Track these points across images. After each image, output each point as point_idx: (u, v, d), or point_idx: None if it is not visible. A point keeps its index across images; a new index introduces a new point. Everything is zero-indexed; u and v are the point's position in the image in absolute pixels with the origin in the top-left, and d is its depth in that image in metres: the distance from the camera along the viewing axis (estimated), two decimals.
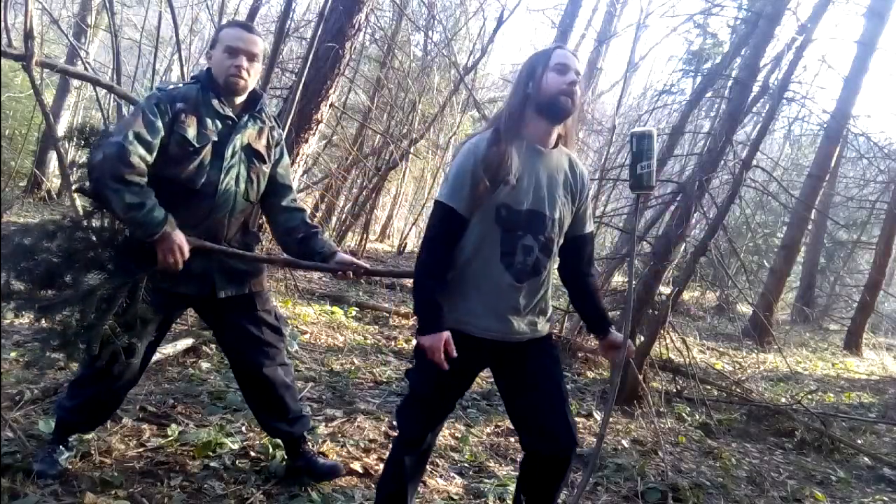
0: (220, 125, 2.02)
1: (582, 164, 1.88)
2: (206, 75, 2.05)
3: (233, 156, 2.04)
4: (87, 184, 1.93)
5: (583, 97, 1.83)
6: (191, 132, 1.95)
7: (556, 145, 1.80)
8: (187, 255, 1.92)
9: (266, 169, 2.15)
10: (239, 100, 2.08)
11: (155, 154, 1.89)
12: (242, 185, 2.07)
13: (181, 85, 2.02)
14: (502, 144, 1.70)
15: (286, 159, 2.26)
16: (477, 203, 1.70)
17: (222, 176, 2.01)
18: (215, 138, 2.00)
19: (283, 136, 2.28)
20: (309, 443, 2.39)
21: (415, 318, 5.50)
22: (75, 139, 1.98)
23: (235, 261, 2.12)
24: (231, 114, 2.04)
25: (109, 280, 1.91)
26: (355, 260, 2.17)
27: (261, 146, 2.11)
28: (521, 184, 1.71)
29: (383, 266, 9.71)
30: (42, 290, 1.91)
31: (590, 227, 1.92)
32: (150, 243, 1.87)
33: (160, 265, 1.90)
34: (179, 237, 1.89)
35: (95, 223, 2.02)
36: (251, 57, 2.03)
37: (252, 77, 2.06)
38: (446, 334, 1.67)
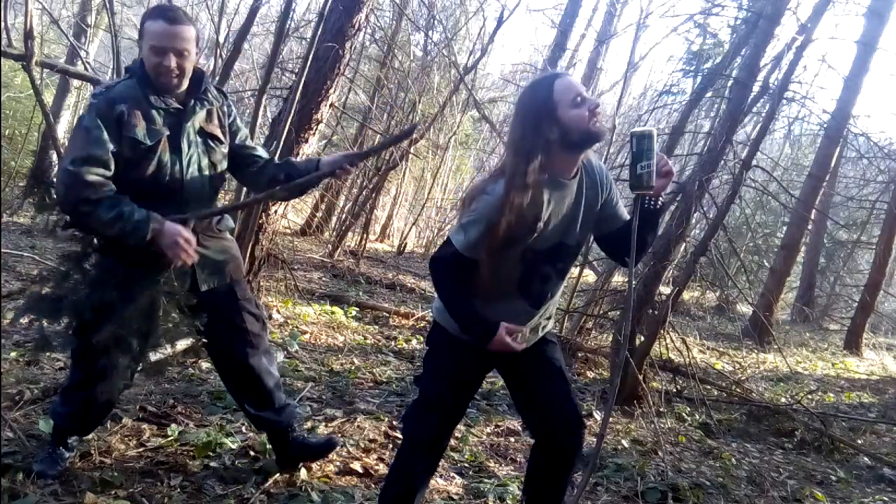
0: (167, 117, 1.92)
1: (597, 160, 1.83)
2: (140, 69, 1.90)
3: (189, 145, 1.96)
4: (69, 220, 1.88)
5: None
6: (139, 132, 1.85)
7: (577, 171, 1.73)
8: (194, 241, 1.86)
9: (225, 150, 2.08)
10: (180, 88, 1.95)
11: (113, 165, 1.82)
12: (207, 172, 2.01)
13: (116, 83, 1.90)
14: (522, 197, 1.59)
15: (244, 129, 2.18)
16: (493, 249, 1.64)
17: (184, 168, 1.94)
18: (167, 132, 1.91)
19: (234, 109, 2.17)
20: (296, 429, 2.35)
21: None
22: (32, 185, 1.88)
23: (216, 246, 2.08)
24: (175, 104, 1.94)
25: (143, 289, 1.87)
26: (343, 154, 2.07)
27: (214, 128, 2.03)
28: (546, 227, 1.68)
29: (383, 266, 9.72)
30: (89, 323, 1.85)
31: (625, 216, 1.86)
32: (150, 246, 1.81)
33: (174, 262, 1.84)
34: (173, 227, 1.82)
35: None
36: (180, 53, 1.85)
37: (187, 70, 1.90)
38: (502, 328, 1.65)
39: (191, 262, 1.88)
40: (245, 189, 2.29)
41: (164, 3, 1.98)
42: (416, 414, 1.87)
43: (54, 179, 1.84)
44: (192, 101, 1.97)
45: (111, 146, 1.81)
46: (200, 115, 1.99)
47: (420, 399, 1.89)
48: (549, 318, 1.89)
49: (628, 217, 1.84)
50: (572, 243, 1.76)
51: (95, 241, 1.95)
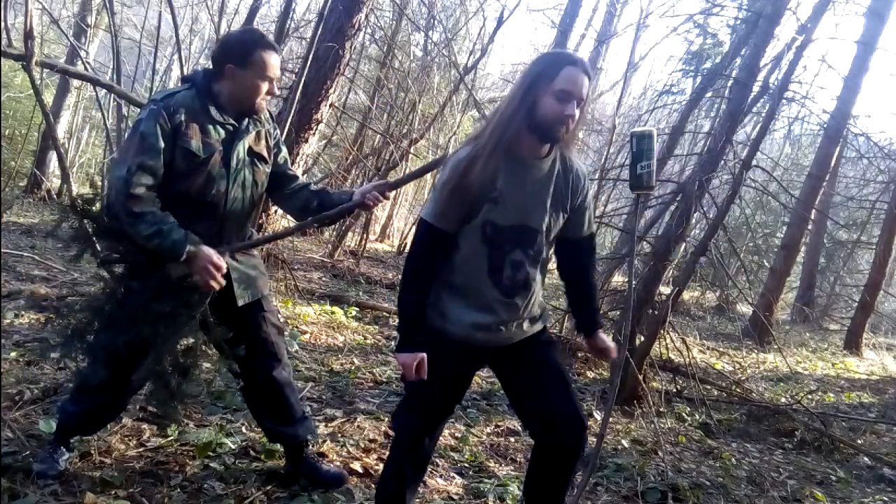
0: (222, 132, 1.96)
1: (579, 163, 1.80)
2: (203, 81, 1.96)
3: (238, 163, 2.00)
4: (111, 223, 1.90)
5: (582, 119, 1.73)
6: (194, 143, 1.89)
7: (548, 153, 1.73)
8: (224, 268, 1.91)
9: (268, 170, 2.13)
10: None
11: (162, 174, 1.85)
12: (249, 191, 2.06)
13: (176, 92, 1.93)
14: (483, 160, 1.62)
15: (284, 151, 2.25)
16: (459, 220, 1.66)
17: (230, 185, 1.99)
18: (220, 147, 1.95)
19: (279, 132, 2.25)
20: (311, 445, 2.38)
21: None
22: (81, 207, 1.91)
23: (248, 262, 2.12)
24: (231, 120, 1.99)
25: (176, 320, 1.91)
26: (373, 185, 2.13)
27: (262, 148, 2.09)
28: (505, 200, 1.66)
29: (383, 266, 9.72)
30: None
31: (589, 229, 1.87)
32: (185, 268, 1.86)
33: (202, 287, 1.89)
34: (207, 252, 1.87)
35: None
36: (278, 79, 2.01)
37: None
38: (422, 355, 1.67)
39: (218, 287, 1.91)
40: (276, 208, 2.35)
41: (261, 31, 2.03)
42: (404, 412, 1.86)
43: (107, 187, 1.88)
44: (246, 121, 2.02)
45: (164, 155, 1.84)
46: (251, 134, 2.05)
47: (407, 397, 1.88)
48: (532, 319, 1.83)
49: (588, 233, 1.86)
50: (537, 227, 1.72)
51: (130, 270, 1.97)
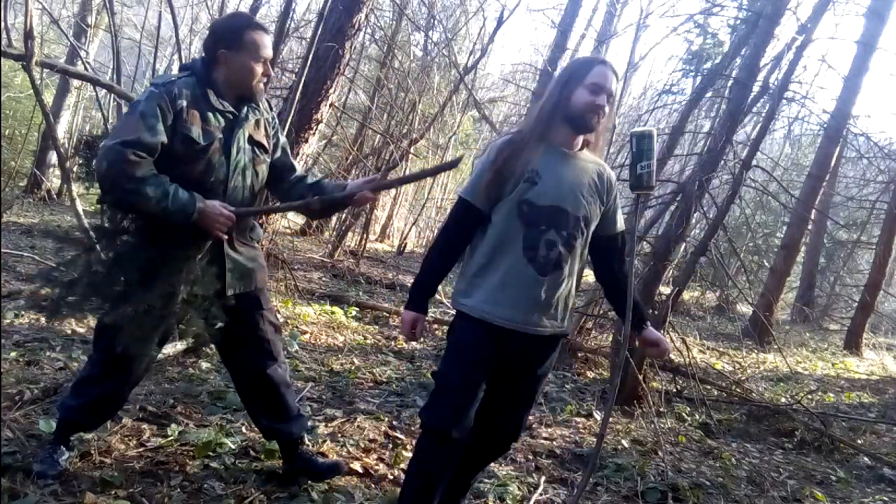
0: (221, 120, 1.95)
1: (609, 169, 1.96)
2: (202, 69, 1.95)
3: (238, 151, 1.98)
4: (105, 197, 1.88)
5: (611, 114, 1.92)
6: (195, 130, 1.88)
7: (581, 149, 1.89)
8: (232, 216, 1.91)
9: (268, 159, 2.12)
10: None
11: (156, 155, 1.83)
12: (249, 180, 2.04)
13: (178, 78, 1.91)
14: (521, 144, 1.81)
15: (284, 140, 2.23)
16: (494, 197, 1.81)
17: (230, 173, 1.97)
18: (220, 136, 1.94)
19: (277, 120, 2.23)
20: (307, 443, 2.38)
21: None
22: (81, 152, 1.93)
23: (247, 254, 2.11)
24: (231, 108, 1.98)
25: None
26: (364, 180, 2.11)
27: (261, 136, 2.07)
28: (542, 181, 1.79)
29: (383, 266, 9.72)
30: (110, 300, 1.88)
31: (620, 226, 1.99)
32: (192, 225, 1.85)
33: (215, 238, 1.91)
34: (213, 204, 1.87)
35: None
36: (271, 60, 2.01)
37: None
38: (422, 316, 1.87)
39: (227, 237, 1.95)
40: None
41: (247, 13, 2.03)
42: (433, 403, 1.87)
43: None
44: (245, 109, 2.02)
45: (163, 137, 1.82)
46: (251, 122, 2.04)
47: (436, 387, 1.89)
48: (565, 310, 1.89)
49: (620, 229, 1.98)
50: (570, 210, 1.81)
51: (125, 223, 1.95)
